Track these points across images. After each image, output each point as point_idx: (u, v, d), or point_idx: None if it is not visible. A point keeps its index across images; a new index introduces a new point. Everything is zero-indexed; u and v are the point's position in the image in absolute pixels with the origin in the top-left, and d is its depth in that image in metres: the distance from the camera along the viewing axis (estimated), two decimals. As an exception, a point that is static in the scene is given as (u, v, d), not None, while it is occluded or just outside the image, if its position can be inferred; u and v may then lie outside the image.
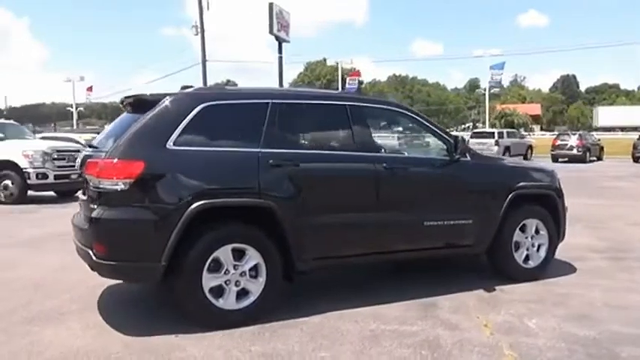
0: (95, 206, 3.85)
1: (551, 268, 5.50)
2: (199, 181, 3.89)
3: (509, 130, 31.44)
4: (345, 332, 3.87)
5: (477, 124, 42.38)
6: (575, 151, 26.73)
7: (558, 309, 4.40)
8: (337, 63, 40.45)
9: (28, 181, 11.41)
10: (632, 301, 4.58)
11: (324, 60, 40.24)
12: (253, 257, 4.02)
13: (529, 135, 39.26)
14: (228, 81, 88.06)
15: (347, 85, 40.74)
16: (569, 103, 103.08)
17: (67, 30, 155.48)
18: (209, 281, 3.89)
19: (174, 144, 3.88)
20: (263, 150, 4.09)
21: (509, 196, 5.00)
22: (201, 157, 3.95)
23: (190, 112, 3.99)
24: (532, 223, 5.23)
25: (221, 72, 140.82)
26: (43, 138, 17.07)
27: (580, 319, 4.16)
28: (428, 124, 4.97)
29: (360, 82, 41.05)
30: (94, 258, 3.82)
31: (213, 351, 3.55)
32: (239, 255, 4.00)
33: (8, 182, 11.49)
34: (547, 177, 5.48)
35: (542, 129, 76.65)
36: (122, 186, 3.72)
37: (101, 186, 3.79)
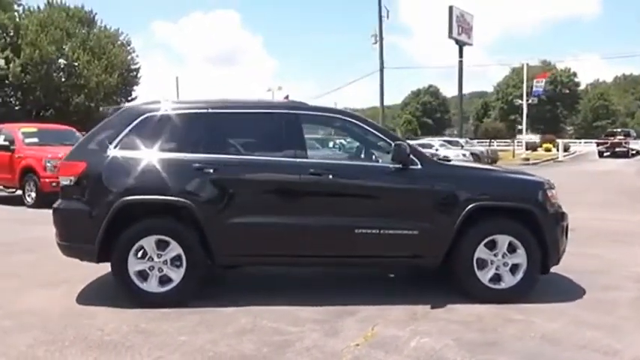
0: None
1: (548, 291, 5.00)
2: (128, 180, 4.60)
3: None
4: (230, 324, 4.18)
5: None
6: None
7: (474, 334, 4.03)
8: (523, 64, 37.42)
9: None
10: (578, 338, 3.94)
11: (526, 63, 37.19)
12: (175, 249, 4.58)
13: None
14: (430, 86, 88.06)
15: (534, 88, 37.55)
16: None
17: (294, 44, 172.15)
18: (135, 265, 4.57)
19: (114, 148, 4.66)
20: (189, 155, 4.63)
21: (468, 207, 4.66)
22: (134, 160, 4.65)
23: (133, 121, 4.73)
24: (504, 240, 4.75)
25: (429, 77, 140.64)
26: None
27: (480, 346, 3.79)
28: (373, 131, 4.92)
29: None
30: (56, 239, 4.80)
31: (111, 322, 4.21)
32: (164, 245, 4.59)
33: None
34: (527, 189, 4.91)
35: None
36: (69, 182, 4.63)
37: (61, 182, 4.76)
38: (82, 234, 4.63)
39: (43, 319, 4.31)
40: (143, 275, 4.60)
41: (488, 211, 4.76)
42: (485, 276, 4.76)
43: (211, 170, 4.58)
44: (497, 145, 48.33)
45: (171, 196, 4.55)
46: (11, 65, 32.36)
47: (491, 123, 62.77)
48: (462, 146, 31.09)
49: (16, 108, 34.84)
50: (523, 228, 4.77)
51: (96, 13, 38.70)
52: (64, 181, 4.69)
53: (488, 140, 47.31)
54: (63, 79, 35.66)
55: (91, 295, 4.95)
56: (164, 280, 4.61)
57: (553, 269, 5.62)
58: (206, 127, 4.76)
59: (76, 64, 34.74)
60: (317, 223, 4.63)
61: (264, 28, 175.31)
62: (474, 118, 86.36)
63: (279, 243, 4.68)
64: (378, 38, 32.12)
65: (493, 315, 4.44)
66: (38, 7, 36.73)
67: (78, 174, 4.61)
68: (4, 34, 34.39)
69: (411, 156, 4.70)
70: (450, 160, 5.32)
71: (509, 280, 4.78)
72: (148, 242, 4.57)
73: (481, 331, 4.10)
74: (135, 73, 39.27)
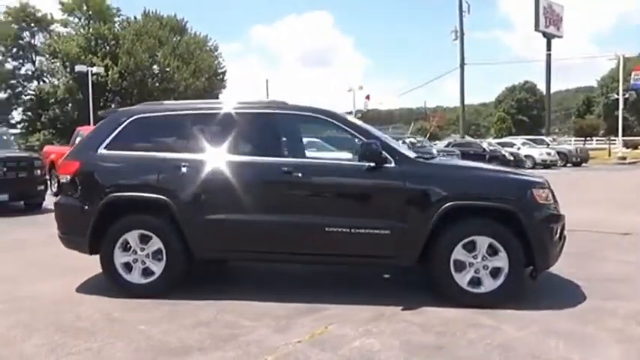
0: (59, 195, 5.31)
1: (543, 297, 4.76)
2: (114, 178, 4.96)
3: None
4: (192, 316, 4.35)
5: None
6: None
7: (428, 337, 3.91)
8: (619, 56, 34.20)
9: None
10: (536, 348, 3.68)
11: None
12: (156, 243, 4.85)
13: None
14: (526, 82, 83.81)
15: (631, 82, 34.45)
16: None
17: (384, 43, 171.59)
18: (120, 258, 4.89)
19: (105, 149, 5.02)
20: (169, 154, 4.88)
21: (443, 207, 4.50)
22: (121, 159, 4.98)
23: (122, 123, 5.06)
24: (483, 242, 4.54)
25: (528, 72, 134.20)
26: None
27: (424, 350, 3.68)
28: (350, 130, 4.86)
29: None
30: (57, 232, 5.24)
31: (90, 310, 4.54)
32: (146, 240, 4.87)
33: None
34: (510, 188, 4.63)
35: None
36: (65, 180, 5.05)
37: (60, 179, 5.20)
38: (76, 227, 5.02)
39: (36, 305, 4.73)
40: (128, 267, 4.91)
41: (466, 211, 4.57)
42: (463, 279, 4.57)
43: (188, 169, 4.79)
44: (596, 143, 45.15)
45: (151, 193, 4.82)
46: (110, 72, 35.18)
47: (588, 120, 58.60)
48: (548, 144, 29.38)
49: (115, 112, 37.76)
50: (505, 230, 4.53)
51: (187, 21, 41.01)
52: (62, 178, 5.13)
53: (583, 138, 44.26)
54: (156, 84, 38.20)
55: (91, 286, 5.33)
56: (147, 272, 4.89)
57: (564, 274, 5.35)
58: (187, 127, 4.99)
59: (167, 69, 37.04)
60: (288, 221, 4.69)
61: (356, 28, 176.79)
62: (575, 114, 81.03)
63: (253, 239, 4.79)
64: (458, 34, 31.15)
65: (461, 319, 4.26)
66: (135, 18, 39.61)
67: (72, 172, 5.02)
68: (104, 44, 37.43)
69: (384, 154, 4.63)
70: (434, 158, 5.13)
71: (489, 284, 4.56)
72: (132, 236, 4.87)
73: (438, 335, 3.96)
74: (221, 76, 41.09)
